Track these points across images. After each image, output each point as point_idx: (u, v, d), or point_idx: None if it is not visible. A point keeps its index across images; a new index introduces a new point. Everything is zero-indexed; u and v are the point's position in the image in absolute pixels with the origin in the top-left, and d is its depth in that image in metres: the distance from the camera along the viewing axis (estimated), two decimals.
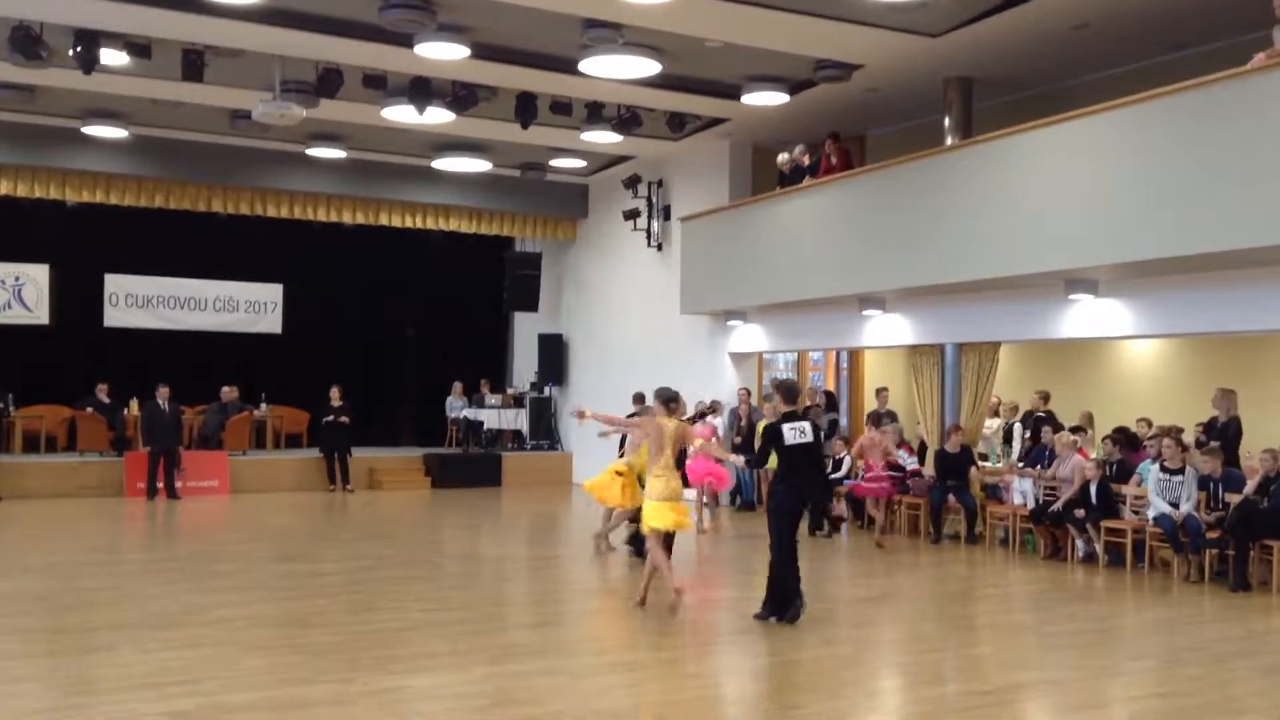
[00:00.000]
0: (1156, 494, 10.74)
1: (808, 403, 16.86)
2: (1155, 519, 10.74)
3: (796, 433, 8.31)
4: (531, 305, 20.72)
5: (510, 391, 21.00)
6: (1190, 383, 13.15)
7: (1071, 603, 9.78)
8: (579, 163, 18.60)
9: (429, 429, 20.85)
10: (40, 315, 17.98)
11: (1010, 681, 6.98)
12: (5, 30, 11.65)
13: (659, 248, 18.26)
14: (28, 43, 11.64)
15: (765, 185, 16.18)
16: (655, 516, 8.59)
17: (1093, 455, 12.13)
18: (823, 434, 11.07)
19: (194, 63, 12.53)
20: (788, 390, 8.64)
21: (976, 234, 11.79)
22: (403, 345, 21.31)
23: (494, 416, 20.09)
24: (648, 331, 18.49)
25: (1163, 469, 10.77)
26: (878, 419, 13.65)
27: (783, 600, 8.28)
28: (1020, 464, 12.90)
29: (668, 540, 8.93)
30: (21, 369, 16.71)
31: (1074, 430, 12.64)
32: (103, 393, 17.53)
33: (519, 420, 20.46)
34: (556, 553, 13.11)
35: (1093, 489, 11.40)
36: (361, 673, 6.79)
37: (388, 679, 6.68)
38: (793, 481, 8.34)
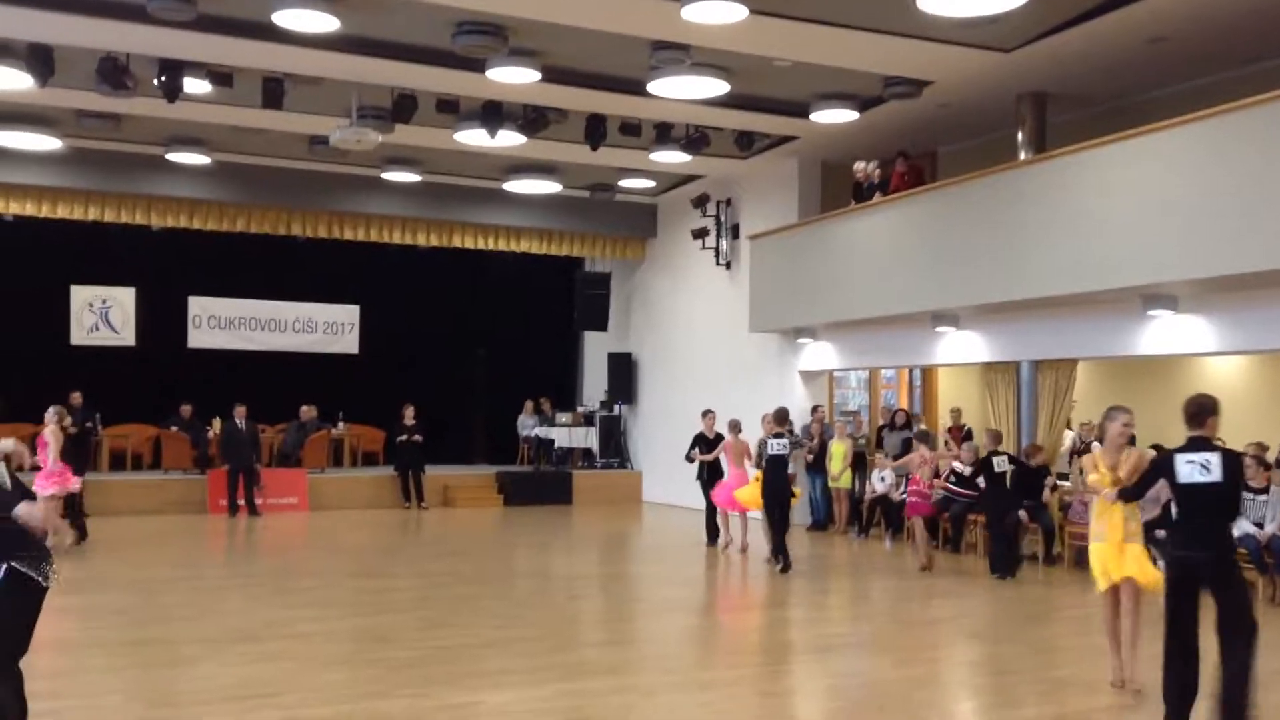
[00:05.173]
0: (1240, 514, 10.48)
1: (885, 421, 16.73)
2: (1239, 539, 10.47)
3: (1197, 468, 6.06)
4: (601, 325, 20.84)
5: (580, 410, 21.14)
6: (1273, 400, 12.82)
7: (1153, 624, 9.54)
8: (648, 183, 18.69)
9: (501, 447, 21.09)
10: (127, 337, 18.57)
11: (1090, 705, 6.85)
12: (94, 61, 12.06)
13: (728, 266, 18.27)
14: (115, 73, 12.04)
15: (834, 203, 16.11)
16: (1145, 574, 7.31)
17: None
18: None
19: (274, 90, 12.86)
20: (1198, 409, 6.08)
21: (1051, 250, 11.63)
22: (475, 364, 21.56)
23: (564, 435, 20.23)
24: (717, 350, 18.48)
25: (1246, 488, 10.50)
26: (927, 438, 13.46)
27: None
28: None
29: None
30: (109, 389, 17.18)
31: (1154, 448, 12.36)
32: (186, 412, 17.98)
33: (589, 439, 20.59)
34: (628, 570, 13.15)
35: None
36: (436, 688, 6.88)
37: (462, 694, 6.76)
38: (1184, 536, 6.27)
